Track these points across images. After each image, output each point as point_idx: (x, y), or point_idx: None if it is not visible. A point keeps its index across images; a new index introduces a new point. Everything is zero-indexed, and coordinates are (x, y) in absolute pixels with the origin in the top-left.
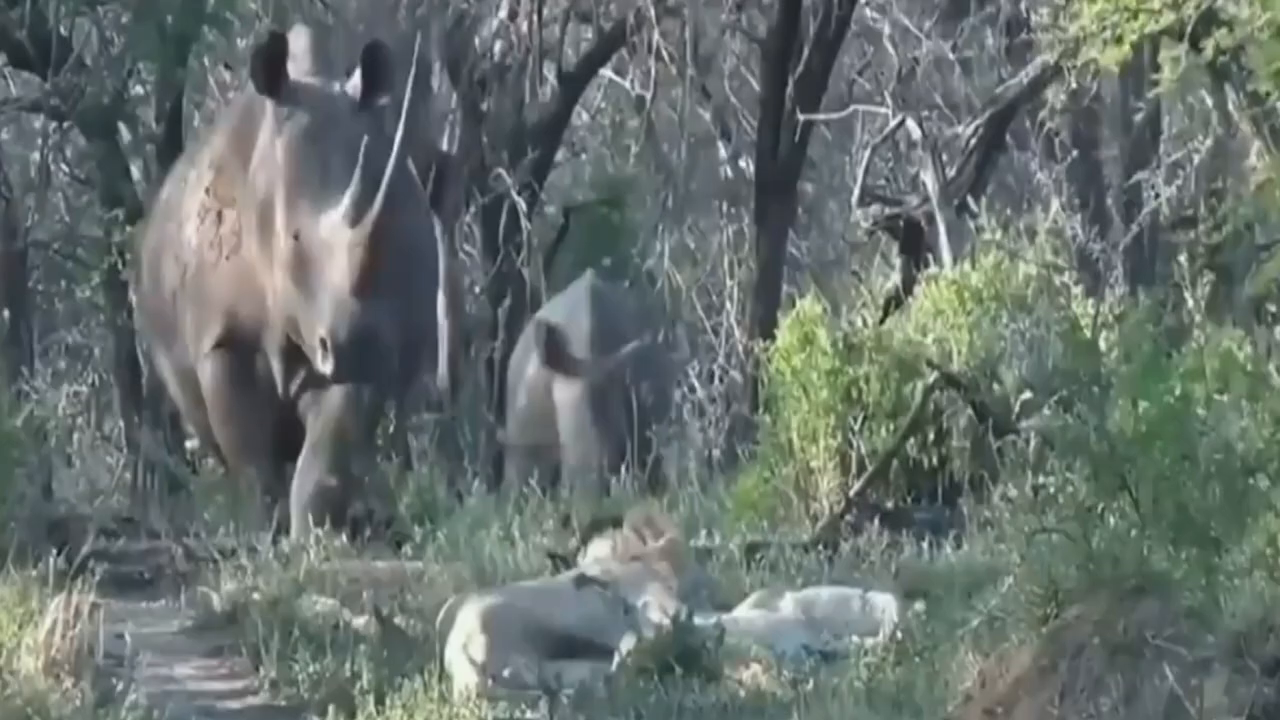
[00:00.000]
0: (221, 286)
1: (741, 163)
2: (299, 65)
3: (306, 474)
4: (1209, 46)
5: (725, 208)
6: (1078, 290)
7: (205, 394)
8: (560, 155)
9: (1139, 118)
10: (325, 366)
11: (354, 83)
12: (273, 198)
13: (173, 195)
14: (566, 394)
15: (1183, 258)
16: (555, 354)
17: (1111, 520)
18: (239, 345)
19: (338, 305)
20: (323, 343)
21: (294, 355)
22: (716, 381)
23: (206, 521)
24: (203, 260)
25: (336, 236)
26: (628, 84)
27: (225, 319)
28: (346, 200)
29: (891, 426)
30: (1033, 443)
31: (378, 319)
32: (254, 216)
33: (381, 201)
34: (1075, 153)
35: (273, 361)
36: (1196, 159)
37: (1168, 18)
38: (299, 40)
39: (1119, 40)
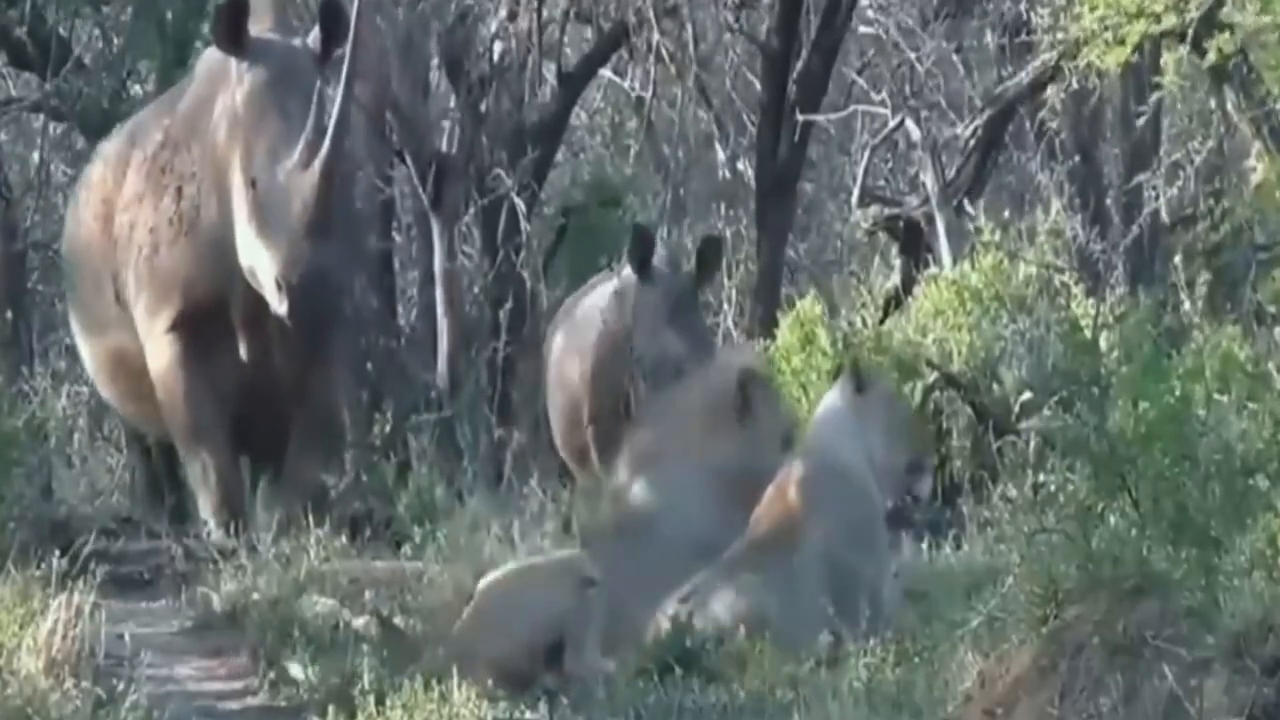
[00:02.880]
0: (180, 264)
1: (741, 164)
2: (261, 23)
3: (298, 471)
4: (1212, 49)
5: (725, 209)
6: (1078, 291)
7: (156, 376)
8: (560, 155)
9: (1141, 122)
10: (281, 308)
11: (315, 36)
12: (233, 151)
13: (107, 179)
14: (646, 298)
15: (1178, 259)
16: (643, 257)
17: (1111, 520)
18: (196, 325)
19: (291, 246)
20: (277, 284)
21: (260, 324)
22: None
23: (205, 522)
24: (158, 239)
25: (291, 180)
26: (627, 84)
27: (184, 297)
28: (300, 144)
29: None
30: (1032, 443)
31: (329, 258)
32: (213, 177)
33: (330, 141)
34: (1077, 158)
35: (239, 335)
36: (1197, 160)
37: (1169, 20)
38: (261, 1)
39: (1120, 42)
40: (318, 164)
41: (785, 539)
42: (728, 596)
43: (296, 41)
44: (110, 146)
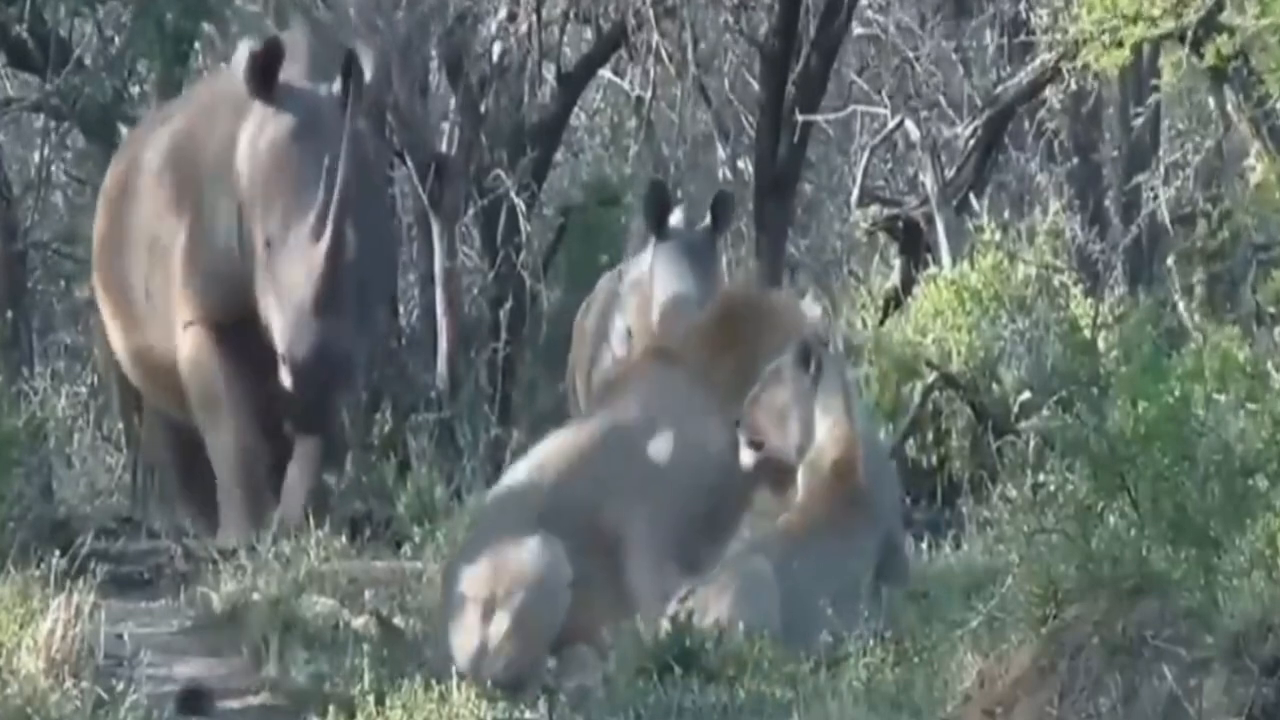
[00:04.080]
0: (206, 281)
1: (740, 164)
2: (292, 67)
3: (301, 476)
4: (1210, 52)
5: None
6: (1077, 291)
7: (183, 373)
8: (560, 156)
9: (1139, 121)
10: (286, 381)
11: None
12: (254, 200)
13: (139, 188)
14: (664, 253)
15: (1170, 259)
16: (659, 215)
17: (1110, 520)
18: (218, 332)
19: (298, 321)
20: (283, 358)
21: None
22: None
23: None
24: (186, 254)
25: (302, 252)
26: (625, 84)
27: (212, 305)
28: (312, 215)
29: (891, 427)
30: (1032, 443)
31: (336, 336)
32: (237, 211)
33: (333, 222)
34: (1076, 159)
35: (264, 346)
36: (1195, 160)
37: (1168, 23)
38: (294, 41)
39: (1119, 45)
40: (323, 243)
41: (849, 519)
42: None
43: (323, 90)
44: (144, 147)
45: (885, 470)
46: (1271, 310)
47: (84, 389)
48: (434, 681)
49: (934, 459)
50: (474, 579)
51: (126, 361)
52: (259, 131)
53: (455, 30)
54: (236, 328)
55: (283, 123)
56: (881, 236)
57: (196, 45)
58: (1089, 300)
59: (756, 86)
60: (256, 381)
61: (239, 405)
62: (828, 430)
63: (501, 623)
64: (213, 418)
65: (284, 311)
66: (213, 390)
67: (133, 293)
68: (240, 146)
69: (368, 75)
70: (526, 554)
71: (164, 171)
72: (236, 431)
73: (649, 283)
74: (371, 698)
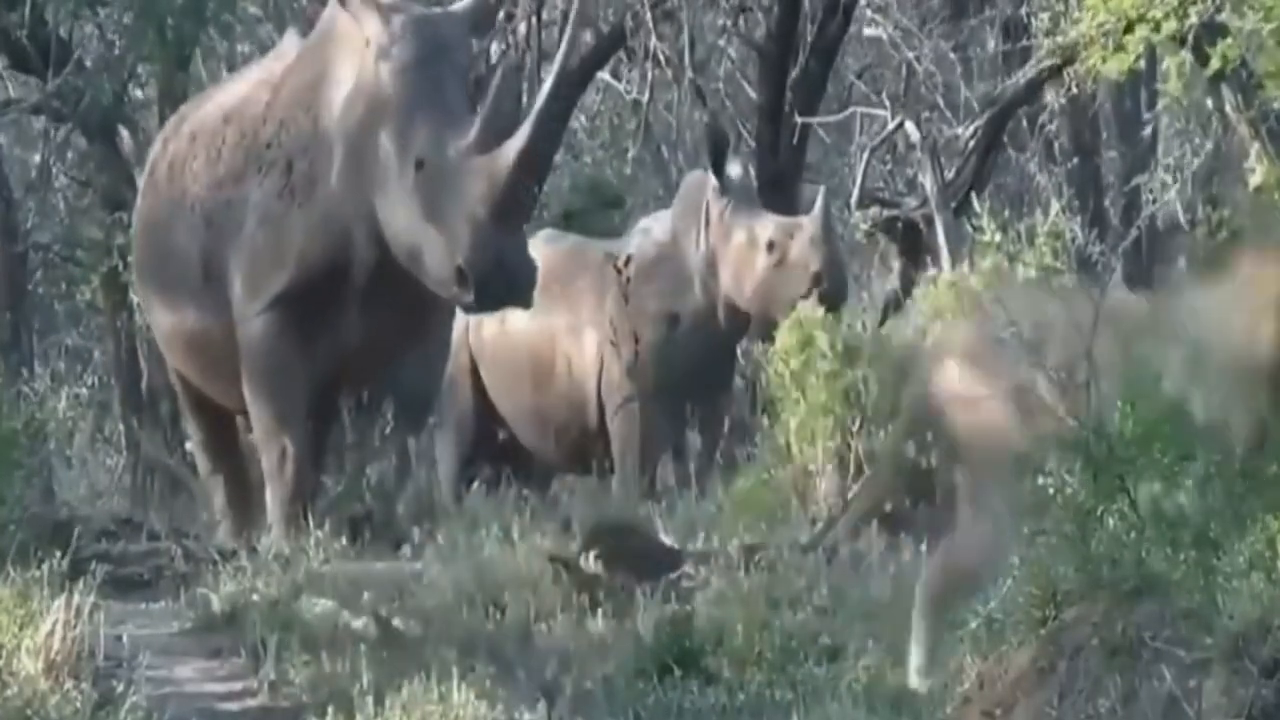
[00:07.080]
0: (294, 237)
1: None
2: None
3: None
4: (1214, 56)
5: None
6: None
7: (246, 354)
8: (559, 158)
9: (1146, 131)
10: (465, 297)
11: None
12: (377, 128)
13: (197, 156)
14: (725, 200)
15: (1183, 261)
16: (717, 160)
17: (1110, 522)
18: (301, 302)
19: (477, 232)
20: (459, 272)
21: (376, 297)
22: None
23: (204, 522)
24: (267, 214)
25: (468, 162)
26: (623, 87)
27: (296, 271)
28: (477, 125)
29: (891, 427)
30: None
31: (518, 244)
32: (342, 153)
33: (534, 123)
34: (1076, 160)
35: (351, 306)
36: (1195, 163)
37: (1170, 27)
38: None
39: (1120, 49)
40: (514, 149)
41: None
42: None
43: (441, 10)
44: (195, 124)
45: None
46: None
47: (84, 390)
48: (434, 681)
49: (934, 459)
50: None
51: (173, 346)
52: (380, 58)
53: None
54: (315, 308)
55: (409, 44)
56: (881, 238)
57: (197, 50)
58: None
59: (753, 91)
60: (320, 369)
61: (300, 402)
62: None
63: None
64: (269, 408)
65: (455, 224)
66: (275, 383)
67: (189, 273)
68: (345, 81)
69: None
70: None
71: (224, 141)
72: (293, 430)
73: (724, 227)
74: (371, 698)
